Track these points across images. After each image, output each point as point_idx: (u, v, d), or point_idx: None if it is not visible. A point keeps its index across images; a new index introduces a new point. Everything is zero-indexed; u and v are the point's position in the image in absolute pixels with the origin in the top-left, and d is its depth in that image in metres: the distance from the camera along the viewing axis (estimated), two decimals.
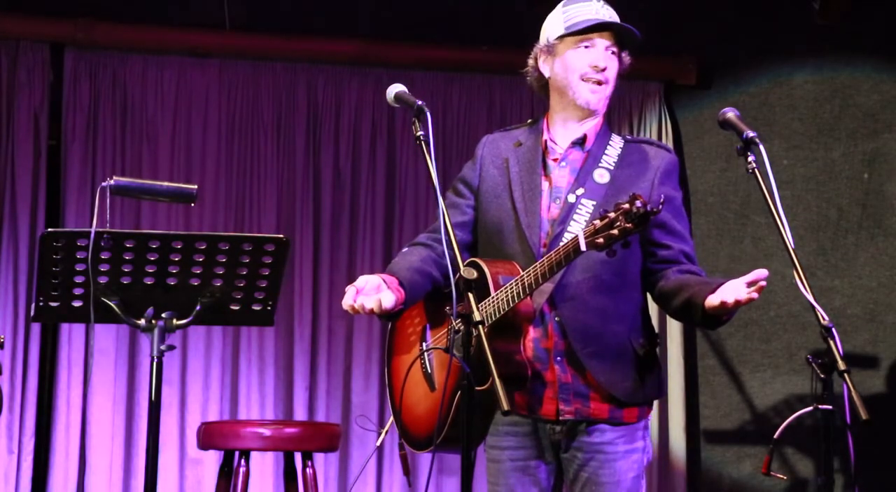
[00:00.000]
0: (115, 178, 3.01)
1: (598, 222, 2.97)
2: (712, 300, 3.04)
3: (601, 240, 2.95)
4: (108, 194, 2.94)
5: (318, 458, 5.30)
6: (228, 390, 5.74)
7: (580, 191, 3.24)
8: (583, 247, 2.98)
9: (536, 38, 3.21)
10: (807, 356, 3.00)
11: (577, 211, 3.22)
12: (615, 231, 2.93)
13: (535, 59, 3.39)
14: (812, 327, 3.05)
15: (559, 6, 3.38)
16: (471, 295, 2.87)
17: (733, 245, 5.99)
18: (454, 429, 3.10)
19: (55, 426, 5.53)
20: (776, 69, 5.97)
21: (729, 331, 5.95)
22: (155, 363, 2.92)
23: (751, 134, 3.24)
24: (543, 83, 3.38)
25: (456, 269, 2.93)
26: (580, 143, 3.32)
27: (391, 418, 3.44)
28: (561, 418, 3.21)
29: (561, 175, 3.30)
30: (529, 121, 3.45)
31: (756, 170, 3.19)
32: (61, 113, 5.70)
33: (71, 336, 5.56)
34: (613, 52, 3.29)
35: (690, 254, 3.29)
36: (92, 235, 2.82)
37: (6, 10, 5.64)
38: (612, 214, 2.95)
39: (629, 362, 3.24)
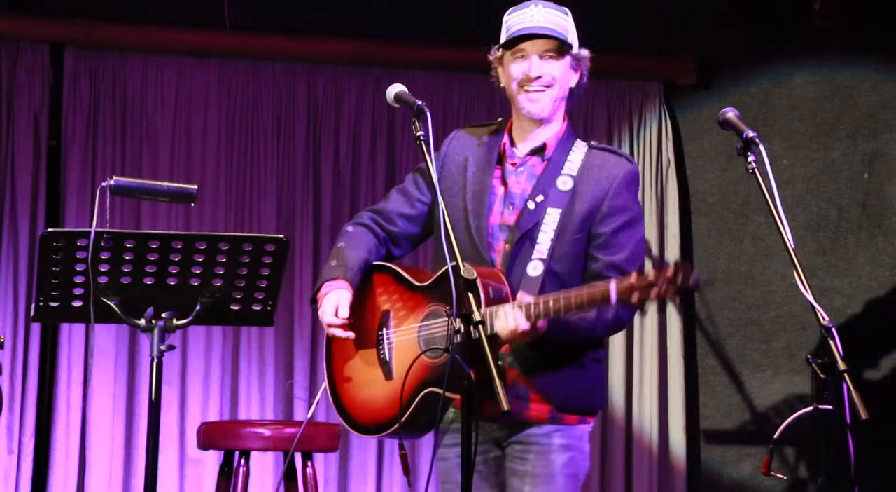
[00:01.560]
0: (115, 178, 3.01)
1: (634, 281, 2.94)
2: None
3: (635, 299, 2.94)
4: (108, 194, 2.94)
5: (318, 458, 5.30)
6: (228, 390, 5.74)
7: (539, 198, 3.23)
8: (613, 299, 2.95)
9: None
10: (807, 356, 3.00)
11: (544, 221, 3.21)
12: (651, 294, 2.95)
13: (494, 69, 3.39)
14: (812, 327, 3.05)
15: (507, 12, 3.36)
16: (471, 295, 2.87)
17: (733, 245, 5.98)
18: (409, 421, 3.13)
19: (55, 426, 5.52)
20: (776, 69, 5.97)
21: (729, 331, 5.95)
22: (155, 363, 2.92)
23: (751, 134, 3.24)
24: (503, 91, 3.37)
25: (456, 268, 2.93)
26: (540, 151, 3.30)
27: (323, 387, 3.41)
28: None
29: (517, 181, 3.28)
30: (500, 120, 3.43)
31: (756, 170, 3.19)
32: (61, 113, 5.70)
33: (71, 336, 5.56)
34: (551, 57, 3.26)
35: (621, 265, 3.20)
36: (92, 235, 2.82)
37: (6, 10, 5.64)
38: (651, 277, 2.94)
39: (574, 372, 3.23)
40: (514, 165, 3.30)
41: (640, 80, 6.09)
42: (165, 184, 3.15)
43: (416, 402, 3.14)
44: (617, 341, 5.91)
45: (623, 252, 3.22)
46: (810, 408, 2.97)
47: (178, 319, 2.94)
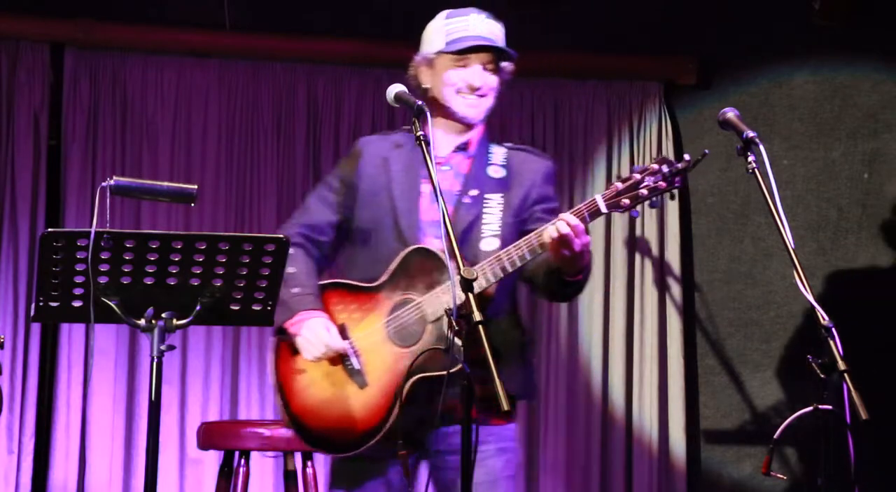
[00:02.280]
0: (115, 178, 3.01)
1: (619, 185, 3.03)
2: (550, 234, 3.06)
3: (627, 201, 3.03)
4: (108, 194, 2.94)
5: (318, 458, 5.29)
6: (228, 390, 5.74)
7: (474, 192, 3.30)
8: (603, 209, 3.05)
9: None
10: (807, 356, 3.00)
11: (487, 205, 3.28)
12: (643, 191, 3.02)
13: (416, 68, 3.43)
14: (812, 327, 3.05)
15: (441, 16, 3.43)
16: (471, 295, 2.87)
17: (733, 245, 5.99)
18: (400, 419, 3.15)
19: (55, 426, 5.53)
20: (776, 69, 5.97)
21: (729, 331, 5.95)
22: (155, 363, 2.92)
23: (751, 134, 3.24)
24: (423, 91, 3.42)
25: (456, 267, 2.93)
26: (463, 148, 3.37)
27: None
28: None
29: (444, 178, 3.32)
30: (406, 127, 3.46)
31: (756, 170, 3.20)
32: (61, 113, 5.70)
33: (71, 336, 5.56)
34: (491, 69, 3.36)
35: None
36: (92, 235, 2.82)
37: (6, 10, 5.64)
38: (637, 175, 3.03)
39: (514, 372, 3.25)
40: (438, 164, 3.34)
41: (640, 80, 6.09)
42: (165, 184, 3.14)
43: (402, 395, 3.16)
44: (617, 341, 5.92)
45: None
46: (810, 408, 2.97)
47: (178, 319, 2.94)
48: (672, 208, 5.98)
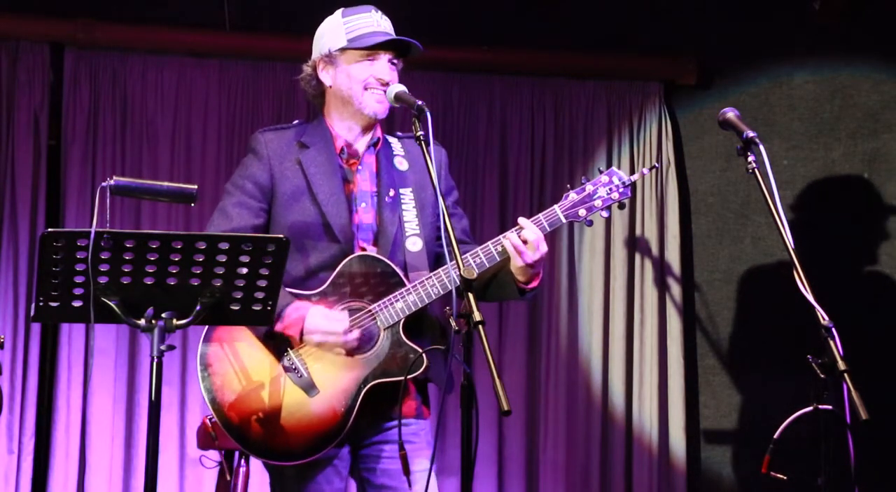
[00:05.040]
0: (115, 178, 3.01)
1: (574, 196, 3.15)
2: (511, 241, 3.17)
3: (584, 211, 3.19)
4: (108, 194, 2.94)
5: None
6: None
7: (391, 192, 3.35)
8: (563, 219, 3.18)
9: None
10: (807, 356, 3.00)
11: (402, 201, 3.34)
12: (598, 202, 3.19)
13: (314, 68, 3.44)
14: (812, 327, 3.05)
15: (337, 15, 3.44)
16: (471, 295, 2.87)
17: (733, 245, 5.99)
18: (359, 421, 3.20)
19: (55, 426, 5.52)
20: (776, 69, 5.97)
21: (729, 331, 5.95)
22: (155, 363, 2.92)
23: (751, 134, 3.25)
24: (322, 91, 3.45)
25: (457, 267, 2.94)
26: (374, 145, 3.43)
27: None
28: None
29: (362, 179, 3.38)
30: (296, 122, 3.50)
31: (756, 170, 3.20)
32: (61, 113, 5.70)
33: (71, 336, 5.56)
34: (395, 63, 3.39)
35: (467, 230, 3.49)
36: (92, 235, 2.82)
37: (6, 10, 5.64)
38: (589, 187, 3.15)
39: (440, 364, 3.30)
40: (352, 164, 3.39)
41: (640, 80, 6.09)
42: (165, 184, 3.14)
43: (359, 401, 3.20)
44: (617, 341, 5.91)
45: (464, 220, 3.49)
46: (810, 408, 2.97)
47: (178, 319, 2.94)
48: (672, 208, 5.98)
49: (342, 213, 3.32)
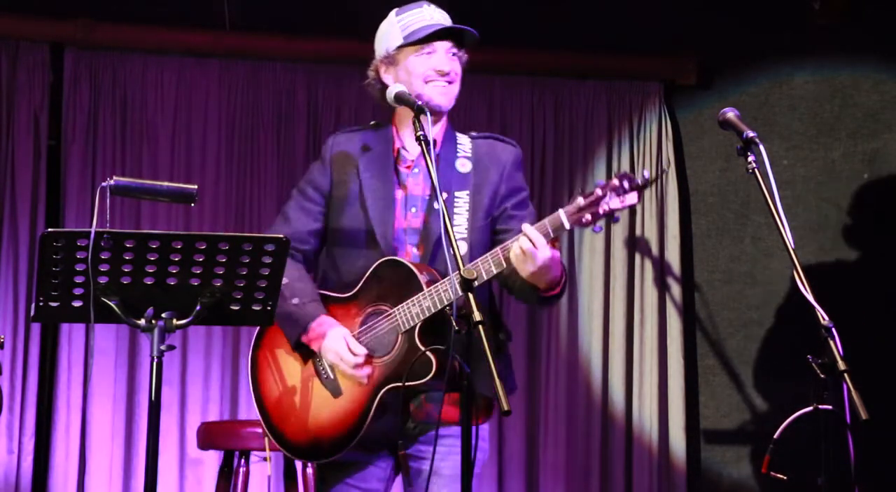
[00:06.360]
0: (115, 178, 3.01)
1: (581, 200, 3.04)
2: (514, 251, 3.07)
3: (588, 217, 3.04)
4: (108, 194, 2.93)
5: None
6: (228, 390, 5.74)
7: (444, 195, 3.26)
8: (567, 225, 3.06)
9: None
10: (807, 356, 3.00)
11: (455, 204, 3.29)
12: (604, 208, 3.04)
13: (377, 71, 3.42)
14: (812, 327, 3.05)
15: (392, 16, 3.44)
16: (470, 295, 2.87)
17: (733, 245, 5.99)
18: (373, 427, 3.18)
19: (55, 426, 5.52)
20: (776, 69, 5.97)
21: (729, 331, 5.95)
22: (155, 363, 2.91)
23: (751, 134, 3.25)
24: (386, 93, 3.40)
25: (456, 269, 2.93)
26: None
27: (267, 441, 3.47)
28: (411, 423, 3.28)
29: (415, 183, 3.34)
30: (373, 123, 3.48)
31: (756, 170, 3.20)
32: (61, 113, 5.70)
33: (71, 336, 5.56)
34: (454, 54, 3.37)
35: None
36: (92, 235, 2.82)
37: (6, 10, 5.64)
38: (598, 191, 3.04)
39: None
40: (408, 168, 3.36)
41: (640, 80, 6.09)
42: (165, 184, 3.14)
43: (374, 405, 3.19)
44: (617, 341, 5.92)
45: (527, 220, 3.33)
46: (810, 408, 2.97)
47: (178, 319, 2.94)
48: (672, 208, 5.98)
49: (386, 218, 3.30)
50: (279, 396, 3.34)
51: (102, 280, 2.88)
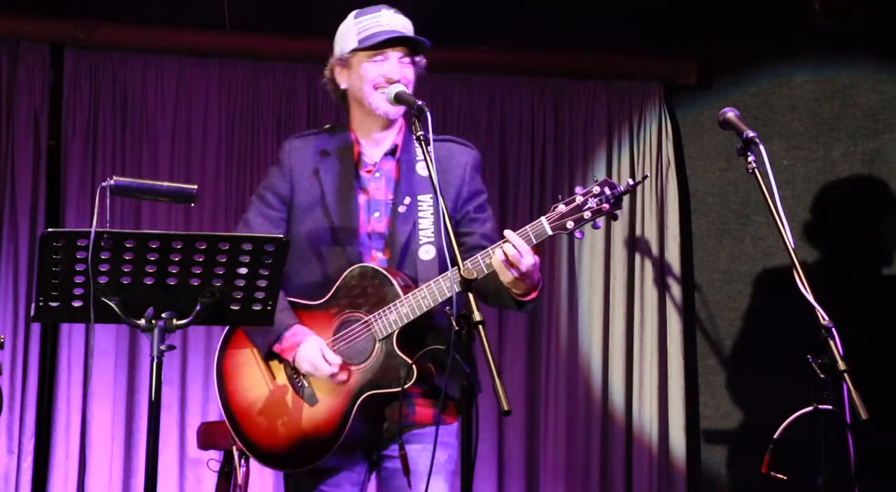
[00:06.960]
0: (115, 178, 3.01)
1: (563, 207, 3.07)
2: (497, 256, 3.09)
3: (571, 224, 3.07)
4: (108, 194, 2.94)
5: None
6: None
7: (407, 200, 3.31)
8: (549, 231, 3.09)
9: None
10: (807, 356, 3.00)
11: (419, 207, 3.30)
12: (586, 214, 3.07)
13: (332, 71, 3.45)
14: (812, 327, 3.05)
15: (350, 18, 3.45)
16: (470, 295, 2.87)
17: (733, 245, 5.98)
18: (350, 433, 3.20)
19: (55, 426, 5.52)
20: (776, 69, 5.97)
21: (729, 331, 5.95)
22: (155, 363, 2.92)
23: (751, 134, 3.25)
24: (341, 94, 3.46)
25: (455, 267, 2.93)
26: (392, 152, 3.39)
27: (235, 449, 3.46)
28: (387, 426, 3.29)
29: (377, 187, 3.36)
30: (328, 127, 3.50)
31: (756, 170, 3.20)
32: (61, 113, 5.70)
33: (71, 336, 5.56)
34: (407, 62, 3.37)
35: (490, 234, 3.37)
36: (92, 235, 2.82)
37: (6, 10, 5.64)
38: (579, 198, 3.07)
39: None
40: (369, 172, 3.37)
41: (640, 80, 6.09)
42: (165, 184, 3.14)
43: (353, 412, 3.20)
44: (617, 341, 5.91)
45: (488, 223, 3.40)
46: (810, 408, 2.97)
47: (178, 319, 2.94)
48: (672, 208, 5.98)
49: (351, 222, 3.31)
50: (249, 404, 3.33)
51: (102, 280, 2.88)
